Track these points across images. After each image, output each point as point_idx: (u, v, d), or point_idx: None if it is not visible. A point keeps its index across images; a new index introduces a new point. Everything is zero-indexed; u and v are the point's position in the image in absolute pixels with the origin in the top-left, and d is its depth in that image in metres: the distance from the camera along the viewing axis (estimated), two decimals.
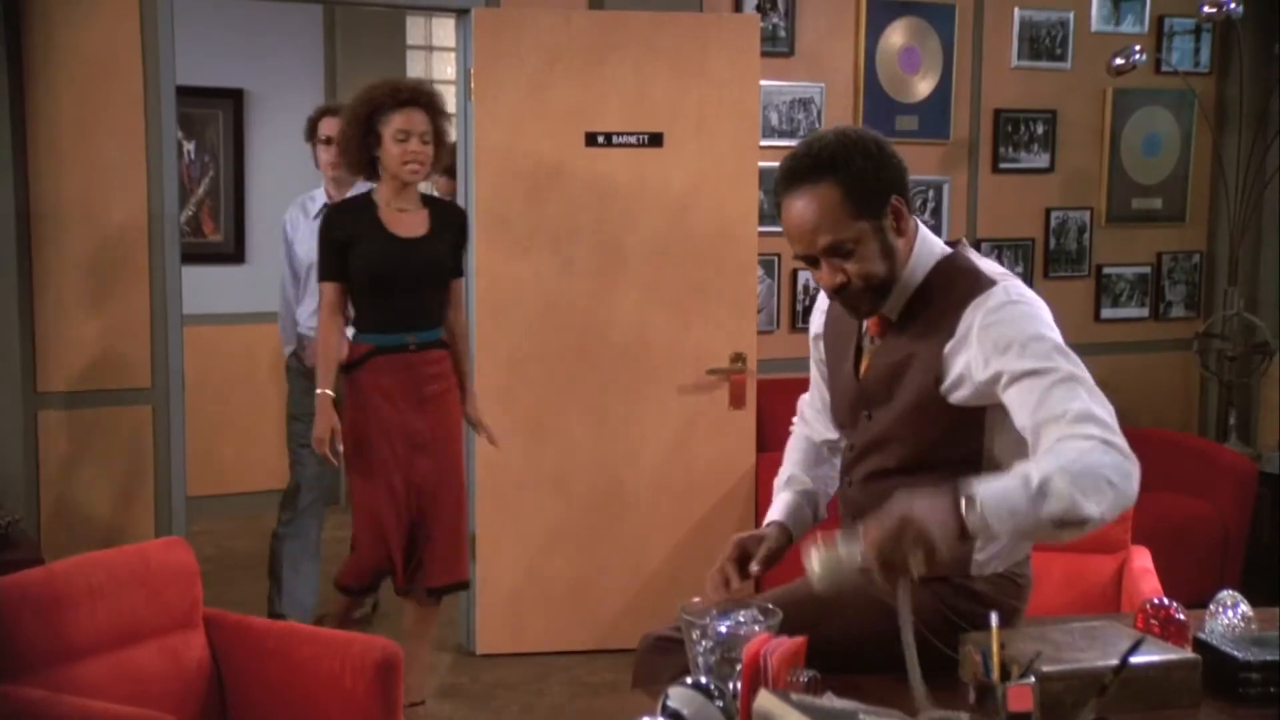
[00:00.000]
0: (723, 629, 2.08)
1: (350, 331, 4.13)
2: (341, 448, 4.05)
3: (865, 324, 2.43)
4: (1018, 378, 2.17)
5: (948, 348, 2.26)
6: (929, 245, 2.36)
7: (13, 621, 2.76)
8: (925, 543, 1.93)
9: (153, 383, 4.62)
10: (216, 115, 6.95)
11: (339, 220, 4.06)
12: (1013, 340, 2.18)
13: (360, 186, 4.75)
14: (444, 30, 7.37)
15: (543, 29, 4.76)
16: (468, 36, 4.84)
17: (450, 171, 6.39)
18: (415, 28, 7.40)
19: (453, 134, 4.11)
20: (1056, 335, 2.22)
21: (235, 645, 3.17)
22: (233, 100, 6.97)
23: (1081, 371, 2.17)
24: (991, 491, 2.00)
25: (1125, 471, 2.05)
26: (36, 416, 4.49)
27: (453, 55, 7.18)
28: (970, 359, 2.23)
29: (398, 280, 3.98)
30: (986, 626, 2.10)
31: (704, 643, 2.07)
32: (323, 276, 4.06)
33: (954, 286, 2.30)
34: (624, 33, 4.81)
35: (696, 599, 2.26)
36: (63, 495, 4.54)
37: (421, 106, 3.98)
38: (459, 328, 4.18)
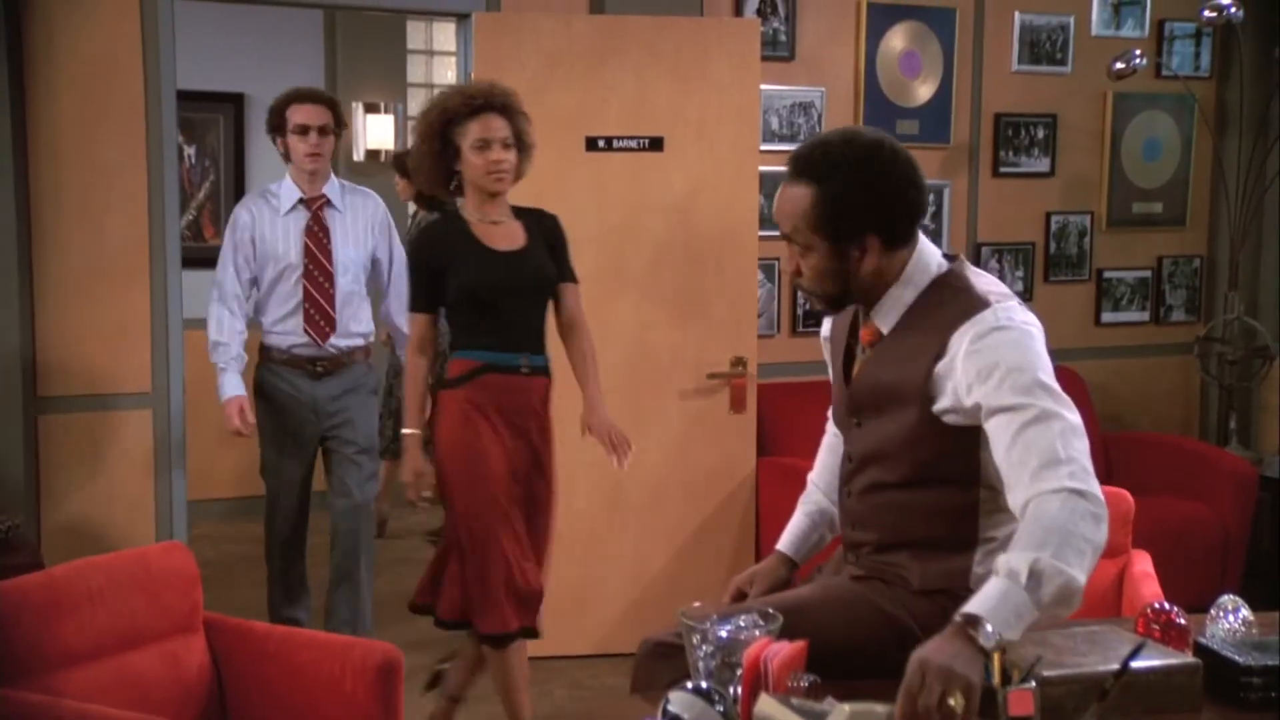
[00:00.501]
0: (723, 633, 2.07)
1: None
2: (428, 492, 3.77)
3: (860, 332, 2.44)
4: (994, 412, 2.16)
5: (938, 369, 2.25)
6: (926, 260, 2.34)
7: (12, 626, 2.76)
8: (953, 678, 1.85)
9: (153, 387, 4.62)
10: (217, 119, 6.96)
11: (430, 244, 3.82)
12: (994, 369, 2.17)
13: (333, 180, 4.54)
14: (444, 35, 7.38)
15: (543, 33, 4.76)
16: (468, 41, 4.84)
17: (405, 171, 6.41)
18: (416, 32, 7.41)
19: (533, 136, 3.84)
20: (1041, 364, 2.19)
21: (236, 649, 3.17)
22: (233, 104, 6.98)
23: (1058, 406, 2.14)
24: (989, 603, 1.95)
25: (1095, 519, 2.04)
26: (37, 421, 4.49)
27: (453, 60, 7.19)
28: (956, 384, 2.22)
29: (503, 297, 3.71)
30: None
31: (704, 647, 2.07)
32: (413, 307, 3.81)
33: (947, 306, 2.29)
34: (624, 37, 4.81)
35: (697, 603, 2.26)
36: (63, 499, 4.54)
37: (497, 110, 3.72)
38: (580, 330, 3.87)
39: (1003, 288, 2.35)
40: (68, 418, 4.53)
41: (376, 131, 7.19)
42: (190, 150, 6.86)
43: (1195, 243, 6.25)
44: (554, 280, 3.81)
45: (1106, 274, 6.08)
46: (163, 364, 4.63)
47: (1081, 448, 2.11)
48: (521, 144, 3.78)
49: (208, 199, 6.99)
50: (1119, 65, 5.56)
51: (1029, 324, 2.25)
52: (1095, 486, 2.07)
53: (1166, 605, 2.34)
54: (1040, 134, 5.87)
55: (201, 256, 6.73)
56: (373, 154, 7.22)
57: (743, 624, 2.11)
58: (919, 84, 5.60)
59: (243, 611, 3.75)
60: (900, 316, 2.34)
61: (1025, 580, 1.94)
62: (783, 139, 5.30)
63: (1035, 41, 5.82)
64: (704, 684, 1.94)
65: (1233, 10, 5.47)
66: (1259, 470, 5.50)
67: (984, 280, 2.36)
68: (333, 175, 4.59)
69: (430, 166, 3.77)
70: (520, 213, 3.84)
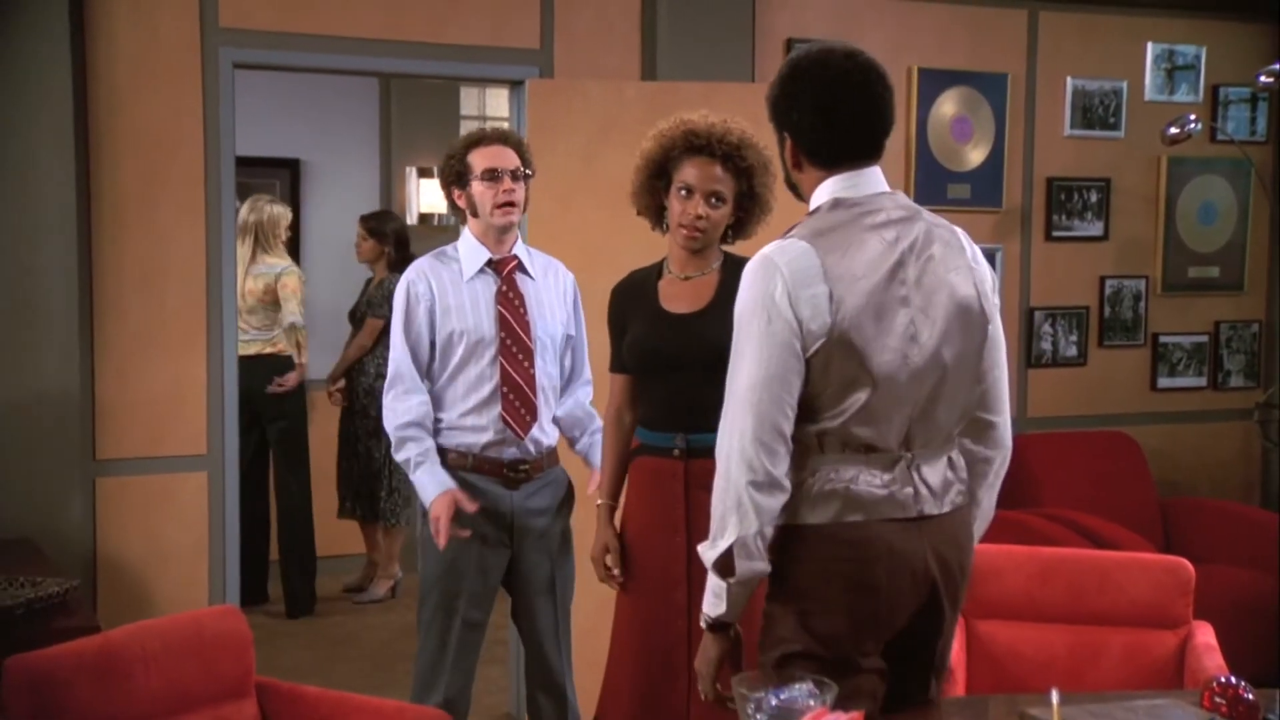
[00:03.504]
0: (776, 702, 2.05)
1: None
2: (616, 570, 3.35)
3: None
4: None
5: None
6: (814, 200, 2.44)
7: (68, 690, 2.77)
8: (700, 674, 2.41)
9: (208, 449, 4.66)
10: (273, 184, 7.05)
11: (617, 295, 3.44)
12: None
13: (519, 240, 3.78)
14: (497, 100, 7.47)
15: (594, 100, 4.80)
16: (521, 107, 4.90)
17: (375, 234, 6.47)
18: (469, 98, 7.50)
19: (739, 186, 3.29)
20: (750, 298, 2.32)
21: (287, 714, 3.16)
22: (289, 170, 7.08)
23: (742, 359, 2.30)
24: (705, 593, 2.37)
25: (731, 494, 2.26)
26: (95, 484, 4.53)
27: (506, 125, 7.27)
28: None
29: (659, 367, 3.27)
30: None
31: (759, 716, 2.04)
32: (611, 366, 3.44)
33: None
34: (676, 103, 4.80)
35: (752, 672, 2.24)
36: (119, 562, 4.57)
37: (717, 158, 3.25)
38: None
39: (819, 228, 2.36)
40: (125, 480, 4.57)
41: (429, 195, 7.27)
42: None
43: (1253, 307, 6.18)
44: (726, 351, 3.26)
45: (1163, 339, 6.02)
46: (218, 426, 4.67)
47: (742, 404, 2.27)
48: (745, 196, 3.27)
49: None
50: (1173, 130, 5.52)
51: (780, 263, 2.31)
52: (734, 452, 2.26)
53: (1233, 679, 2.28)
54: (1093, 198, 5.85)
55: None
56: (425, 218, 7.29)
57: (797, 693, 2.08)
58: (970, 149, 5.60)
59: (292, 674, 3.76)
60: None
61: (709, 568, 2.33)
62: None
63: (1088, 106, 5.81)
64: None
65: None
66: None
67: (819, 219, 2.39)
68: (518, 236, 3.81)
69: (644, 198, 3.37)
70: (730, 267, 3.25)
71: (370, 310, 6.35)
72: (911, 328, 2.30)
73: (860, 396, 2.27)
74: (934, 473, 2.36)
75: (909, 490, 2.32)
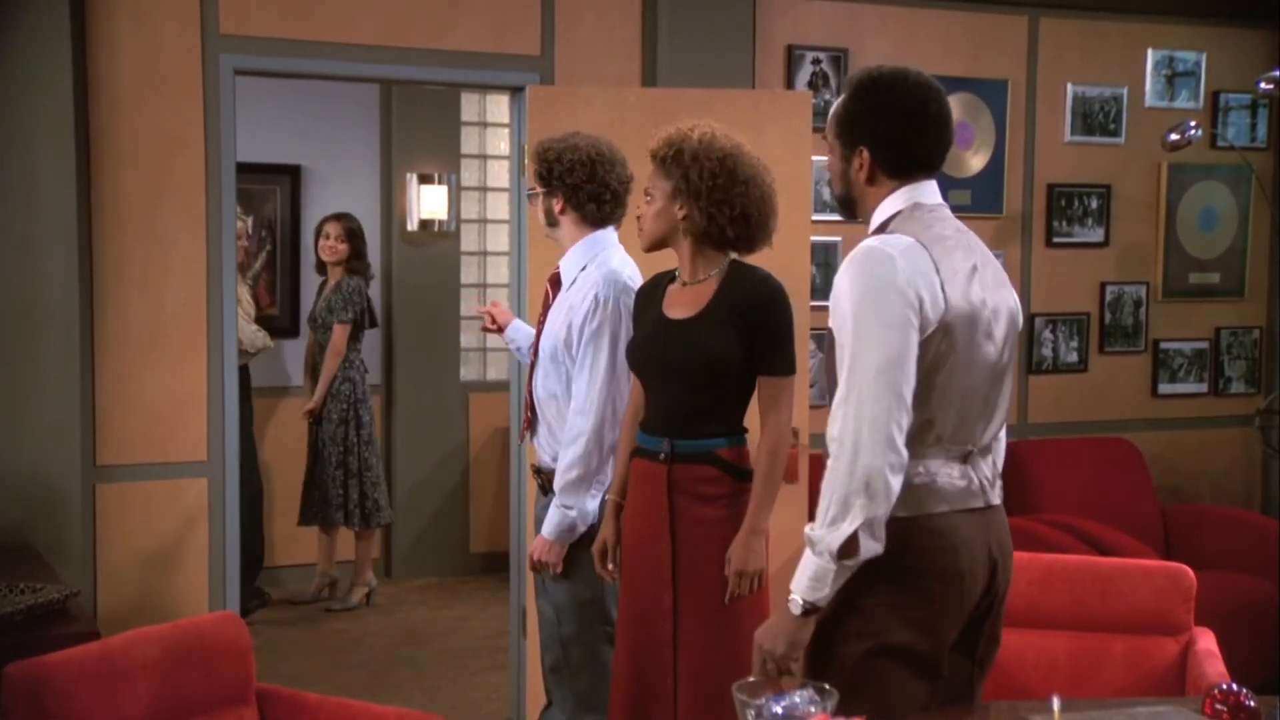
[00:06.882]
0: (778, 710, 2.05)
1: None
2: (612, 565, 3.40)
3: None
4: (832, 337, 2.43)
5: None
6: (910, 197, 2.50)
7: (69, 696, 2.77)
8: (760, 651, 2.42)
9: (209, 455, 4.66)
10: (274, 190, 7.06)
11: (637, 298, 3.47)
12: (833, 298, 2.41)
13: (578, 251, 3.65)
14: (498, 106, 7.47)
15: (596, 106, 4.80)
16: (522, 113, 4.90)
17: (353, 235, 6.51)
18: (470, 104, 7.50)
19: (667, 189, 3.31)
20: (863, 289, 2.34)
21: None
22: (290, 176, 7.08)
23: (858, 342, 2.32)
24: (797, 574, 2.38)
25: (858, 476, 2.27)
26: (95, 490, 4.53)
27: (506, 131, 7.27)
28: None
29: (651, 372, 3.31)
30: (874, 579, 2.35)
31: None
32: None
33: None
34: (677, 109, 4.83)
35: (751, 679, 2.23)
36: (120, 568, 4.57)
37: (653, 162, 3.33)
38: (771, 440, 3.21)
39: (917, 230, 2.44)
40: (126, 486, 4.56)
41: (430, 202, 7.27)
42: (247, 221, 6.94)
43: (1254, 314, 6.19)
44: (718, 359, 3.19)
45: (1163, 345, 6.02)
46: (219, 432, 4.66)
47: (871, 386, 2.29)
48: (683, 190, 3.28)
49: (264, 269, 7.07)
50: (1174, 136, 5.52)
51: (883, 259, 2.36)
52: (864, 434, 2.27)
53: (1235, 686, 2.28)
54: (1094, 204, 5.85)
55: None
56: (425, 224, 7.29)
57: (798, 700, 2.08)
58: (971, 155, 5.61)
59: (293, 681, 3.76)
60: None
61: (812, 548, 2.35)
62: (834, 209, 5.30)
63: (1088, 113, 5.82)
64: None
65: None
66: None
67: (908, 223, 2.45)
68: (583, 246, 3.64)
69: None
70: (732, 275, 3.31)
71: (334, 315, 6.36)
72: (988, 326, 2.44)
73: (948, 390, 2.38)
74: (988, 467, 2.51)
75: (977, 483, 2.45)
